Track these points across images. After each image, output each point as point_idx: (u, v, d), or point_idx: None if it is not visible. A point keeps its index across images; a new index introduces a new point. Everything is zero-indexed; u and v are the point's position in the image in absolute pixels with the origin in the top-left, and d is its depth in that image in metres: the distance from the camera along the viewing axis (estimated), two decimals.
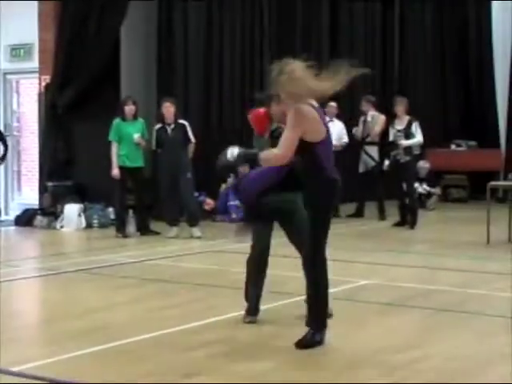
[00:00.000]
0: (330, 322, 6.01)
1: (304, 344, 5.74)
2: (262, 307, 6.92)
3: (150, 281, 8.54)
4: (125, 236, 12.02)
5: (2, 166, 14.83)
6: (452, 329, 6.45)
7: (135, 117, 12.17)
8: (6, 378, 5.00)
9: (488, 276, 8.89)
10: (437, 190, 17.11)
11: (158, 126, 12.22)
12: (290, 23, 16.35)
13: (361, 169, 14.32)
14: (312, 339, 5.75)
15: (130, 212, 12.27)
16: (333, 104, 14.82)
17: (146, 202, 12.57)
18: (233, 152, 6.00)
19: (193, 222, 12.12)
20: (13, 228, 13.64)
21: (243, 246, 11.08)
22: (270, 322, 6.63)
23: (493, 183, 12.50)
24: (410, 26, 19.39)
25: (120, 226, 12.12)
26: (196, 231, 12.02)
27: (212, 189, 14.55)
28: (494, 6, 19.36)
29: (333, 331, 6.23)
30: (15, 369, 5.13)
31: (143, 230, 12.27)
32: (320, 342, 5.77)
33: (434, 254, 10.43)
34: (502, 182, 13.89)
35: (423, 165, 16.86)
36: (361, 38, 18.16)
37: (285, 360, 5.48)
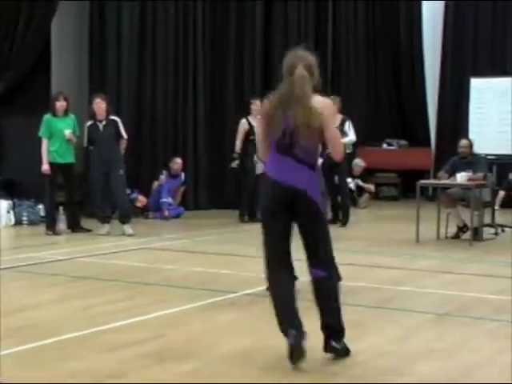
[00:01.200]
0: (262, 317, 6.00)
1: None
2: (194, 304, 6.94)
3: (80, 278, 8.45)
4: (55, 233, 11.88)
5: None
6: (380, 325, 6.52)
7: (66, 113, 12.03)
8: None
9: (416, 273, 9.02)
10: (371, 186, 17.27)
11: (90, 122, 12.11)
12: (223, 22, 16.33)
13: None
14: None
15: (61, 209, 12.12)
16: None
17: (77, 198, 12.44)
18: None
19: (125, 219, 12.03)
20: None
21: (175, 244, 11.11)
22: (199, 319, 6.63)
23: (422, 182, 12.67)
24: (343, 24, 19.54)
25: (50, 223, 11.97)
26: (128, 228, 11.93)
27: (144, 186, 14.50)
28: (425, 6, 19.63)
29: (268, 327, 6.25)
30: None
31: (74, 227, 12.13)
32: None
33: (365, 252, 10.54)
34: (431, 181, 14.10)
35: (359, 163, 17.03)
36: (294, 37, 18.22)
37: (214, 357, 5.48)
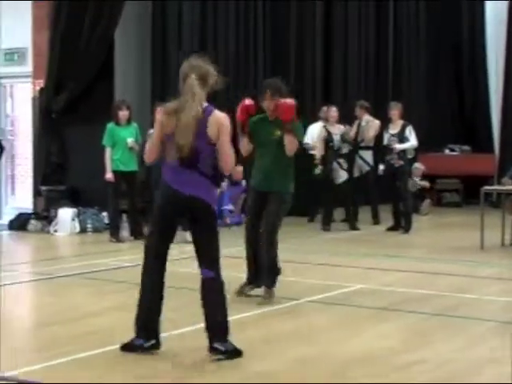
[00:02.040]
0: (324, 325, 6.00)
1: None
2: (257, 311, 6.96)
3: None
4: (118, 240, 12.00)
5: None
6: (445, 333, 6.45)
7: (129, 121, 12.17)
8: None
9: (481, 281, 8.90)
10: (426, 183, 16.96)
11: (152, 130, 12.19)
12: (284, 22, 16.35)
13: (355, 173, 14.32)
14: None
15: (124, 216, 12.25)
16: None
17: (140, 206, 12.55)
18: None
19: (186, 227, 12.09)
20: (6, 232, 13.60)
21: (237, 251, 11.12)
22: (260, 326, 6.63)
23: (486, 188, 12.51)
24: (404, 31, 19.41)
25: (114, 230, 12.10)
26: (189, 236, 11.96)
27: None
28: (488, 6, 19.37)
29: (328, 335, 6.25)
30: (7, 374, 5.11)
31: (137, 234, 12.24)
32: None
33: (428, 259, 10.43)
34: (495, 187, 13.90)
35: (418, 166, 16.87)
36: (355, 44, 18.17)
37: (272, 365, 5.47)
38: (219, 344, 5.54)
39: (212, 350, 5.55)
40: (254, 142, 7.81)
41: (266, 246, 7.61)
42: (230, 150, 5.77)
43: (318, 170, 13.60)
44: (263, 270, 7.66)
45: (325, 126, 13.59)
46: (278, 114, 7.57)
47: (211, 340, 5.57)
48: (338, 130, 13.50)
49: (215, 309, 5.64)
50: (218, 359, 5.49)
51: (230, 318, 5.70)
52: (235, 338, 6.15)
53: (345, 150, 13.54)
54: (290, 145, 7.57)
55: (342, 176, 13.37)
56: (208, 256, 5.82)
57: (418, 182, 16.81)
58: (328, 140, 13.38)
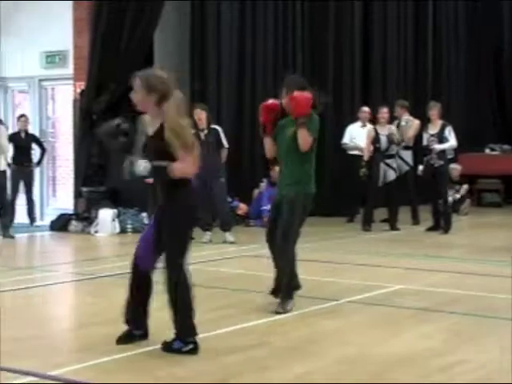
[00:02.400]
0: (364, 326, 5.98)
1: None
2: (296, 312, 6.97)
3: None
4: None
5: (38, 172, 15.01)
6: (486, 333, 6.41)
7: None
8: (44, 382, 5.04)
9: None
10: (464, 188, 16.82)
11: (192, 131, 12.26)
12: (322, 21, 16.33)
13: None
14: None
15: None
16: (366, 109, 14.84)
17: None
18: (146, 166, 5.86)
19: (226, 227, 12.16)
20: (48, 233, 13.76)
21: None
22: (301, 327, 6.64)
23: None
24: (444, 31, 19.30)
25: None
26: (229, 236, 12.05)
27: (245, 194, 14.60)
28: None
29: (368, 336, 6.24)
30: (51, 373, 5.17)
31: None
32: None
33: (468, 259, 10.37)
34: None
35: (455, 166, 16.74)
36: (393, 44, 18.11)
37: (318, 365, 5.48)
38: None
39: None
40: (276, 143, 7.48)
41: (279, 258, 7.32)
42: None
43: (362, 172, 13.56)
44: (279, 282, 7.36)
45: (374, 127, 13.60)
46: (291, 107, 7.19)
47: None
48: (387, 130, 13.49)
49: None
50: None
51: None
52: (277, 338, 6.17)
53: (392, 150, 13.50)
54: (302, 140, 7.11)
55: (389, 176, 13.37)
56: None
57: (459, 191, 16.63)
58: (375, 140, 13.37)
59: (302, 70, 15.94)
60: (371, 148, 13.46)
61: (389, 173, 13.39)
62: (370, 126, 13.99)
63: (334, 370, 5.37)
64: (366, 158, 13.55)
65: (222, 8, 14.74)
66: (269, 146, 7.52)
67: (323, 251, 11.13)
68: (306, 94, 7.17)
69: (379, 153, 13.37)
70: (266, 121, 7.44)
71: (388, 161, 13.41)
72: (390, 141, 13.41)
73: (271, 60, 15.56)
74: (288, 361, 5.58)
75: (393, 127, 13.71)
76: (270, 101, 7.50)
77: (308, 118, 7.14)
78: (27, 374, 5.14)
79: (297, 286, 7.37)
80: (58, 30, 14.62)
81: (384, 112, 13.57)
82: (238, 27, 15.06)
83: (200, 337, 6.17)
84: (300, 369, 5.38)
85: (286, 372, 5.31)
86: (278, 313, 7.02)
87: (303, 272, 9.25)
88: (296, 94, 7.15)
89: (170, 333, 5.82)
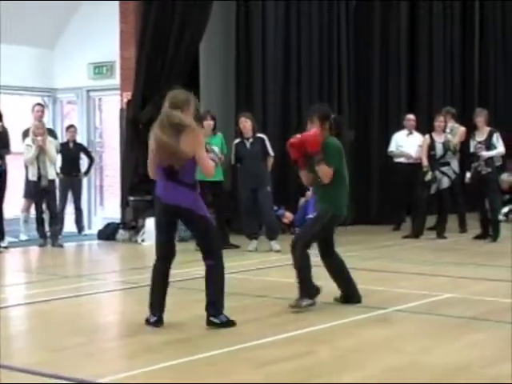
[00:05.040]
0: (412, 335, 5.92)
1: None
2: (344, 320, 6.94)
3: (229, 294, 8.48)
4: None
5: (86, 181, 15.16)
6: None
7: (214, 132, 12.28)
8: None
9: None
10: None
11: (237, 140, 12.33)
12: (368, 22, 16.29)
13: None
14: None
15: None
16: (411, 116, 14.76)
17: (226, 215, 12.64)
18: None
19: (272, 236, 12.16)
20: (96, 242, 13.89)
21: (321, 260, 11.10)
22: (349, 335, 6.61)
23: None
24: (491, 38, 19.12)
25: None
26: (275, 245, 12.04)
27: (291, 202, 14.58)
28: None
29: (417, 345, 6.19)
30: (100, 381, 5.21)
31: (222, 243, 12.31)
32: None
33: None
34: None
35: (507, 178, 16.53)
36: (440, 51, 17.99)
37: (366, 374, 5.44)
38: (215, 318, 6.75)
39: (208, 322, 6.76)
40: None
41: (292, 256, 7.81)
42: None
43: (428, 176, 13.42)
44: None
45: (430, 135, 13.53)
46: (303, 149, 7.62)
47: (208, 315, 6.76)
48: (443, 138, 13.42)
49: (212, 288, 6.79)
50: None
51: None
52: (324, 347, 6.14)
53: (448, 158, 13.41)
54: (323, 175, 7.58)
55: (444, 183, 13.28)
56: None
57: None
58: (430, 148, 13.31)
59: (347, 73, 15.91)
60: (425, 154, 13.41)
61: (443, 180, 13.31)
62: (427, 135, 13.90)
63: (383, 380, 5.32)
64: (424, 163, 13.42)
65: (267, 15, 14.75)
66: (305, 177, 7.99)
67: (370, 259, 11.07)
68: (311, 133, 7.56)
69: (434, 160, 13.29)
70: (296, 158, 7.87)
71: (443, 168, 13.33)
72: (446, 148, 13.33)
73: (316, 67, 15.54)
74: (336, 370, 5.55)
75: (449, 135, 13.62)
76: (293, 139, 7.76)
77: (323, 151, 7.51)
78: (76, 381, 5.18)
79: (317, 290, 7.73)
80: (105, 41, 14.77)
81: (440, 120, 13.52)
82: (283, 37, 15.07)
83: (247, 345, 6.20)
84: (348, 378, 5.35)
85: (334, 381, 5.27)
86: (292, 306, 7.49)
87: None
88: (305, 134, 7.59)
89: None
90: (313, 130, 7.57)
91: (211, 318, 6.75)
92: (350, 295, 7.84)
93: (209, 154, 7.05)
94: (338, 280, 7.89)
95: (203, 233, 6.86)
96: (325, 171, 7.54)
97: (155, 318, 6.81)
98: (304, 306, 7.46)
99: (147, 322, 6.83)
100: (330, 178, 7.56)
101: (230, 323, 6.79)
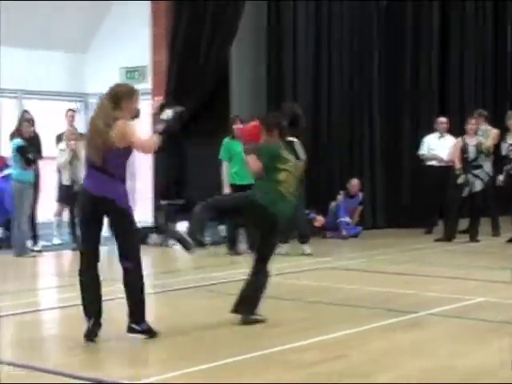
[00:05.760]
0: (444, 339, 5.89)
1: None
2: (375, 324, 6.93)
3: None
4: (236, 253, 12.13)
5: None
6: None
7: None
8: None
9: None
10: None
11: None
12: (399, 22, 16.23)
13: None
14: None
15: (242, 229, 12.38)
16: (443, 119, 14.69)
17: None
18: (168, 113, 6.62)
19: (303, 239, 12.16)
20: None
21: (353, 263, 11.10)
22: (381, 339, 6.59)
23: None
24: None
25: (231, 243, 12.25)
26: (306, 248, 12.04)
27: (321, 205, 14.56)
28: None
29: (448, 349, 6.15)
30: (139, 382, 5.24)
31: (254, 247, 12.33)
32: None
33: None
34: None
35: None
36: (471, 53, 17.88)
37: (398, 378, 5.42)
38: (136, 325, 6.45)
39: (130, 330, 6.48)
40: None
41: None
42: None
43: (461, 179, 13.34)
44: None
45: (463, 137, 13.46)
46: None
47: (130, 322, 6.48)
48: (475, 140, 13.36)
49: (131, 296, 6.48)
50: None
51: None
52: (355, 350, 6.13)
53: (481, 160, 13.33)
54: (251, 164, 7.52)
55: (476, 186, 13.21)
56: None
57: None
58: (463, 151, 13.24)
59: (378, 77, 15.86)
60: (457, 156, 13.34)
61: (476, 183, 13.22)
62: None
63: (415, 380, 5.30)
64: (457, 166, 13.34)
65: (298, 17, 14.74)
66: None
67: (402, 263, 11.03)
68: (252, 124, 7.73)
69: (467, 163, 13.22)
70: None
71: (475, 171, 13.25)
72: (479, 151, 13.26)
73: (347, 67, 15.51)
74: (368, 373, 5.54)
75: (481, 138, 13.53)
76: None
77: (256, 145, 7.52)
78: (116, 383, 5.23)
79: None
80: (136, 45, 14.86)
81: (472, 123, 13.45)
82: (314, 39, 15.05)
83: (280, 349, 6.20)
84: (380, 381, 5.33)
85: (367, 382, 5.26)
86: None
87: (382, 284, 9.23)
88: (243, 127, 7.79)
89: None
90: (254, 123, 7.68)
91: (132, 325, 6.48)
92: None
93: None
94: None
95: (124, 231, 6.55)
96: (252, 161, 7.46)
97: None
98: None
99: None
100: (256, 168, 7.45)
101: (150, 332, 6.52)
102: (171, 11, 14.09)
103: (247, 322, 7.12)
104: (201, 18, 13.74)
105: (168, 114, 6.56)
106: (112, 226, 6.57)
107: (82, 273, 6.66)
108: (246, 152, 7.67)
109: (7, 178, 13.35)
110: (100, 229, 6.63)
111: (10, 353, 6.27)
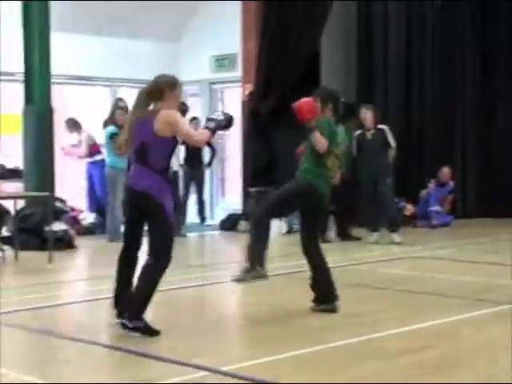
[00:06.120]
0: None
1: None
2: (468, 315, 6.84)
3: (350, 286, 8.57)
4: (325, 241, 12.10)
5: (208, 173, 15.40)
6: None
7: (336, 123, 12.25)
8: (216, 377, 5.19)
9: None
10: None
11: (358, 131, 12.29)
12: (492, 21, 15.91)
13: None
14: None
15: (331, 217, 12.37)
16: None
17: (346, 207, 12.62)
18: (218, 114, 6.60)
19: (393, 228, 12.08)
20: (218, 232, 14.12)
21: (444, 252, 10.97)
22: (475, 330, 6.50)
23: None
24: None
25: (321, 231, 12.24)
26: (396, 237, 11.96)
27: (412, 194, 14.43)
28: None
29: None
30: (223, 368, 5.31)
31: (343, 235, 12.34)
32: None
33: None
34: None
35: None
36: None
37: (490, 371, 5.35)
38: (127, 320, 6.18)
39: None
40: None
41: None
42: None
43: None
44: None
45: None
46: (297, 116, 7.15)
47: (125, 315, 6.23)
48: None
49: (139, 290, 6.25)
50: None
51: None
52: (447, 341, 6.07)
53: None
54: (318, 142, 7.10)
55: None
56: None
57: None
58: None
59: (472, 75, 15.62)
60: None
61: None
62: None
63: (508, 377, 5.22)
64: None
65: (388, 9, 14.63)
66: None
67: (494, 253, 10.84)
68: (306, 100, 7.15)
69: None
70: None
71: None
72: None
73: (438, 58, 15.32)
74: (458, 365, 5.48)
75: None
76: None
77: (316, 121, 7.11)
78: (200, 368, 5.30)
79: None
80: (227, 33, 14.96)
81: None
82: (404, 28, 14.92)
83: (370, 337, 6.19)
84: (470, 374, 5.27)
85: (455, 376, 5.20)
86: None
87: (473, 274, 9.10)
88: (296, 102, 7.13)
89: None
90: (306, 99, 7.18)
91: (125, 321, 6.19)
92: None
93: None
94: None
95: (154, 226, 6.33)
96: (319, 138, 7.08)
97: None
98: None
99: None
100: (324, 145, 7.09)
101: (146, 330, 6.17)
102: (261, 5, 14.16)
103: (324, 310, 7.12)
104: (290, 10, 13.73)
105: (219, 115, 6.59)
106: (146, 218, 6.35)
107: (120, 255, 6.58)
108: (309, 129, 7.15)
109: (96, 164, 13.68)
110: (142, 223, 6.42)
111: (106, 335, 6.42)
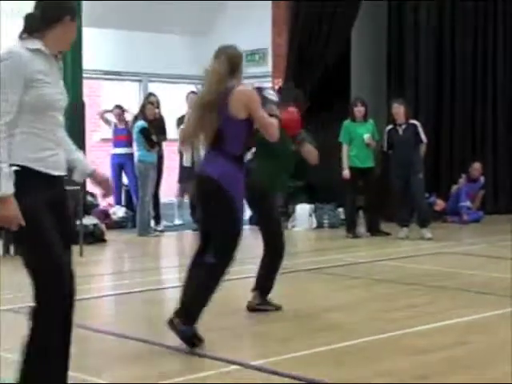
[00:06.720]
0: None
1: None
2: (498, 311, 6.80)
3: (380, 281, 8.57)
4: (355, 236, 12.11)
5: None
6: None
7: (365, 118, 12.24)
8: (247, 371, 5.20)
9: None
10: None
11: (389, 126, 12.25)
12: None
13: None
14: None
15: (361, 212, 12.35)
16: None
17: (377, 202, 12.59)
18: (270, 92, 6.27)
19: (423, 223, 12.03)
20: (247, 227, 14.10)
21: (475, 248, 10.91)
22: (504, 329, 6.46)
23: None
24: None
25: (350, 226, 12.23)
26: (427, 232, 11.91)
27: (442, 189, 14.36)
28: None
29: None
30: (254, 363, 5.32)
31: (373, 230, 12.31)
32: None
33: None
34: None
35: None
36: None
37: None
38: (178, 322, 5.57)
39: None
40: None
41: None
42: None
43: None
44: None
45: None
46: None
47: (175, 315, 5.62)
48: None
49: (197, 291, 5.69)
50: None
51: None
52: (477, 337, 6.03)
53: None
54: (310, 154, 7.43)
55: None
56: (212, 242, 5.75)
57: None
58: None
59: (503, 71, 15.50)
60: None
61: None
62: None
63: None
64: None
65: (419, 13, 14.57)
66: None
67: None
68: (291, 112, 7.02)
69: None
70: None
71: None
72: None
73: (469, 55, 15.21)
74: (488, 363, 5.44)
75: None
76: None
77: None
78: (231, 362, 5.32)
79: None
80: (257, 28, 14.94)
81: None
82: (436, 24, 14.84)
83: (399, 333, 6.17)
84: (502, 371, 5.22)
85: (486, 374, 5.17)
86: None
87: (504, 270, 9.03)
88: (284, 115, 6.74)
89: None
90: (290, 108, 6.97)
91: (175, 321, 5.58)
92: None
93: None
94: None
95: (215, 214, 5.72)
96: (310, 150, 7.18)
97: None
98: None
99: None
100: (316, 157, 7.36)
101: (190, 340, 5.56)
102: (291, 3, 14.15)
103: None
104: (320, 7, 13.70)
105: (270, 93, 6.21)
106: (207, 206, 5.69)
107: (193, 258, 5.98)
108: (298, 143, 7.16)
109: (126, 157, 13.70)
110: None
111: (136, 329, 6.46)
